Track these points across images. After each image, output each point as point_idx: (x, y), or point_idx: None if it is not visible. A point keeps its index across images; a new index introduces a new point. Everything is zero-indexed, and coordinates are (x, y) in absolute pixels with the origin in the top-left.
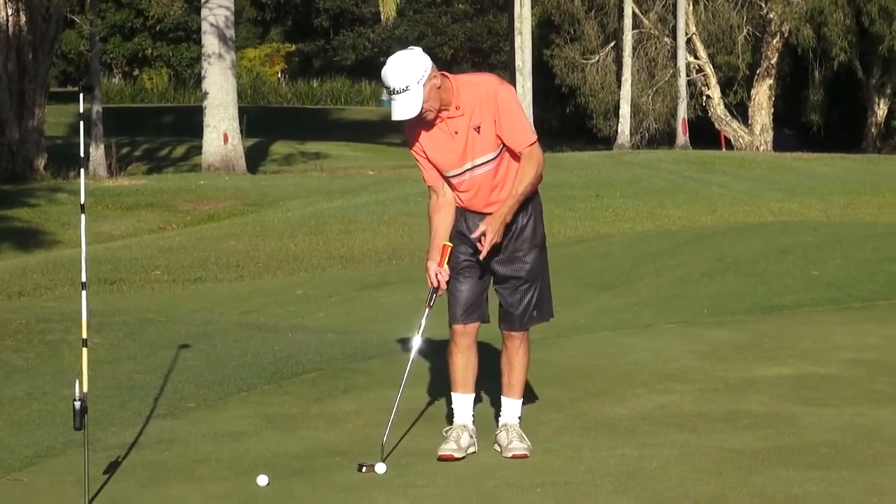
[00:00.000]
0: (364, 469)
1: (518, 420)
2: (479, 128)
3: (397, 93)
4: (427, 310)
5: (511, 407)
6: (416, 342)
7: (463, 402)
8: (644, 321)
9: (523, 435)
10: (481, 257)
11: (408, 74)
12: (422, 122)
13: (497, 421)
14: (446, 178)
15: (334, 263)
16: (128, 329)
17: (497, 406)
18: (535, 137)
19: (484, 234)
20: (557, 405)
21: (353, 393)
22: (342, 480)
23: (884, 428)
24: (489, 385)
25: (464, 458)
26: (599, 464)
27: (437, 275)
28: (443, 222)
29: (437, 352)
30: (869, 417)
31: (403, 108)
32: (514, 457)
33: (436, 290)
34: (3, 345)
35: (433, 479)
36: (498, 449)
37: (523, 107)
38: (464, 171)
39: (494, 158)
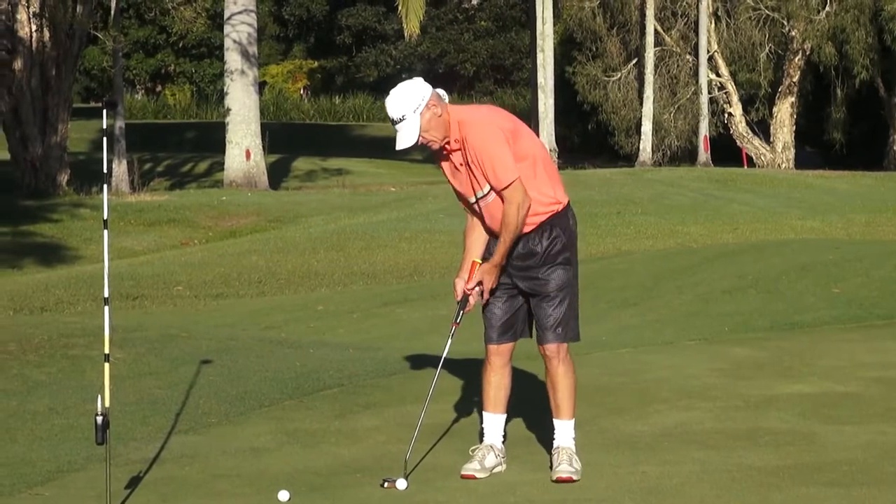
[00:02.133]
0: (386, 484)
1: (572, 442)
2: (468, 164)
3: (396, 122)
4: (454, 327)
5: (562, 429)
6: (442, 359)
7: (494, 422)
8: (665, 338)
9: (574, 457)
10: (473, 303)
11: (404, 104)
12: (438, 152)
13: (537, 441)
14: (467, 204)
15: (356, 280)
16: (149, 344)
17: (531, 427)
18: (511, 178)
19: (480, 283)
20: (578, 422)
21: (374, 409)
22: (362, 497)
23: None
24: (524, 407)
25: (486, 477)
26: (620, 481)
27: (465, 291)
28: (476, 242)
29: (462, 368)
30: (890, 436)
31: (402, 137)
32: (558, 479)
33: (462, 306)
34: (26, 360)
35: (453, 496)
36: (551, 471)
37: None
38: (475, 201)
39: (491, 190)
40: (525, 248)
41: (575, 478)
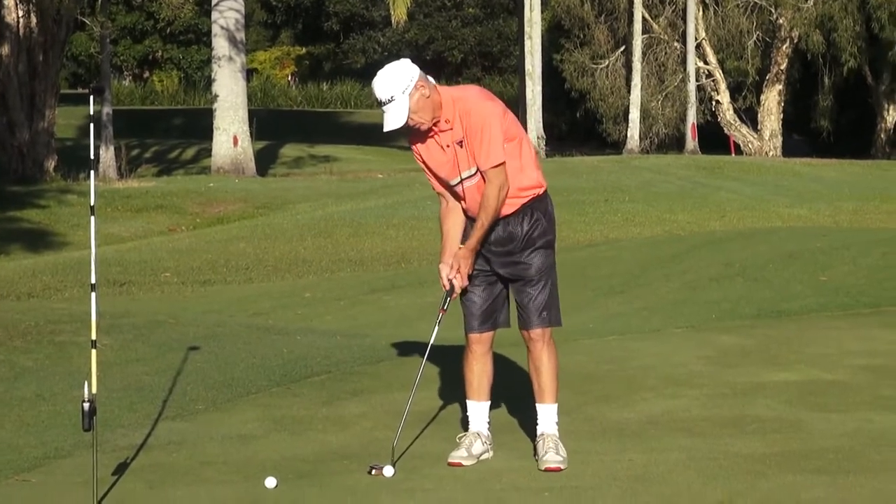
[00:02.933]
0: (373, 471)
1: (556, 426)
2: (461, 142)
3: (384, 104)
4: (441, 313)
5: (545, 413)
6: (430, 345)
7: (478, 410)
8: (652, 326)
9: (559, 445)
10: (460, 288)
11: (392, 85)
12: (419, 134)
13: (522, 427)
14: (448, 187)
15: (343, 267)
16: (137, 331)
17: (515, 413)
18: (500, 160)
19: (457, 268)
20: (565, 409)
21: (362, 396)
22: (350, 483)
23: (891, 433)
24: (508, 393)
25: (473, 465)
26: (607, 468)
27: (449, 278)
28: (453, 227)
29: (449, 355)
30: (876, 423)
31: (391, 119)
32: (546, 469)
33: (449, 293)
34: (13, 346)
35: (441, 483)
36: (536, 459)
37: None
38: (458, 183)
39: (477, 172)
40: (505, 231)
41: (562, 467)
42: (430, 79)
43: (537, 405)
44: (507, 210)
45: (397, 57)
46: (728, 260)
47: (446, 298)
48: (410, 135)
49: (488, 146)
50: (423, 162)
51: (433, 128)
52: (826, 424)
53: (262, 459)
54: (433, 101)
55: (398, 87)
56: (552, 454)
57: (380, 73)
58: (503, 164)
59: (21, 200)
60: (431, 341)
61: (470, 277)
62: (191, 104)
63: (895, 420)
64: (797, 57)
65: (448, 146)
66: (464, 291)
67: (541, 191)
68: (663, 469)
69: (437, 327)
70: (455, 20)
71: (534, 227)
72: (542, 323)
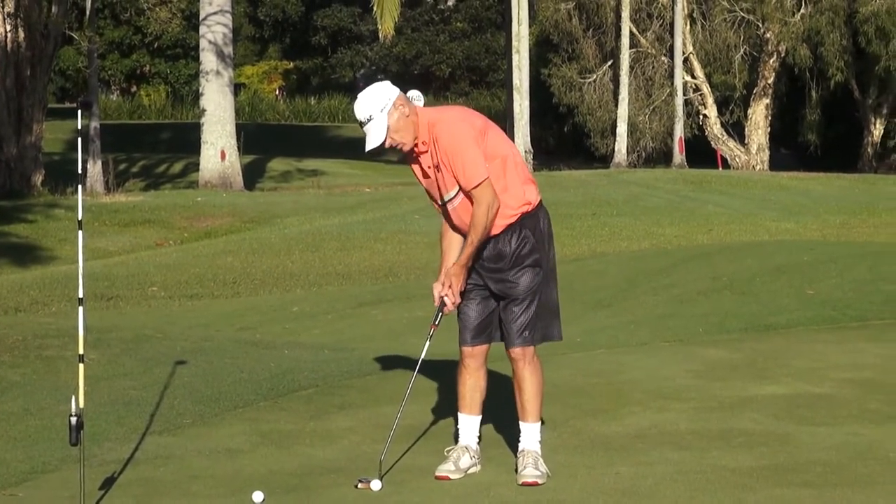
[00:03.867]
0: (360, 485)
1: (538, 445)
2: (437, 166)
3: (363, 123)
4: (432, 329)
5: (527, 432)
6: (420, 360)
7: (468, 423)
8: (640, 339)
9: (539, 461)
10: (451, 305)
11: (370, 104)
12: (409, 155)
13: (510, 442)
14: (440, 206)
15: (331, 280)
16: (124, 345)
17: (505, 428)
18: (481, 178)
19: (449, 285)
20: (552, 423)
21: (349, 410)
22: (337, 497)
23: (878, 447)
24: (499, 407)
25: (461, 478)
26: (594, 482)
27: (441, 295)
28: (451, 244)
29: (438, 369)
30: (863, 437)
31: (370, 138)
32: (523, 484)
33: (440, 309)
34: (0, 360)
35: (428, 497)
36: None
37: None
38: (444, 203)
39: (459, 192)
40: (494, 249)
41: (540, 482)
42: (420, 97)
43: (520, 423)
44: (494, 230)
45: (385, 71)
46: (715, 273)
47: (438, 314)
48: (406, 156)
49: (463, 168)
50: (420, 182)
51: (415, 149)
52: (813, 438)
53: (249, 473)
54: (412, 121)
55: (376, 106)
56: (531, 469)
57: (360, 94)
58: (486, 180)
59: (8, 215)
60: (422, 356)
61: (466, 292)
62: (178, 118)
63: (882, 433)
64: (784, 71)
65: (429, 168)
66: (460, 305)
67: (529, 208)
68: (651, 482)
69: (428, 342)
70: (443, 34)
71: (521, 245)
72: (523, 342)
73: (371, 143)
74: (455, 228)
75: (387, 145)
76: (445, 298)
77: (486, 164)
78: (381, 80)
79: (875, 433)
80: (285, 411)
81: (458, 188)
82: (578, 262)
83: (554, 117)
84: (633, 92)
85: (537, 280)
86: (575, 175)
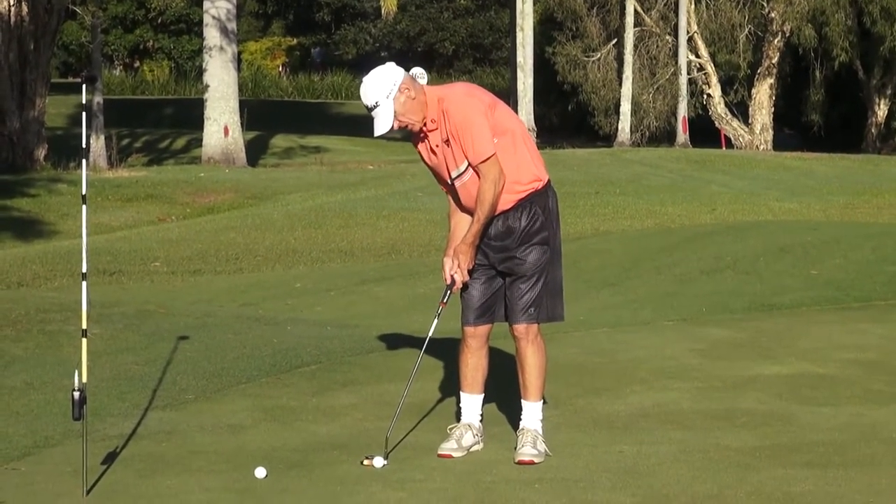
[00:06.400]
0: (366, 461)
1: (538, 423)
2: (447, 141)
3: (371, 109)
4: (441, 306)
5: (528, 410)
6: (428, 338)
7: (471, 402)
8: (643, 318)
9: (538, 440)
10: (461, 282)
11: (376, 91)
12: (416, 135)
13: (513, 420)
14: (447, 186)
15: (333, 257)
16: (127, 320)
17: (508, 406)
18: (489, 152)
19: (458, 263)
20: (556, 401)
21: (352, 387)
22: (340, 473)
23: (881, 427)
24: (503, 386)
25: (463, 456)
26: (597, 460)
27: (451, 273)
28: (460, 222)
29: (444, 347)
30: (866, 417)
31: (378, 124)
32: (519, 462)
33: (450, 286)
34: (3, 335)
35: (431, 474)
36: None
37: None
38: (453, 179)
39: (468, 167)
40: (504, 225)
41: (536, 461)
42: (423, 74)
43: (522, 401)
44: (504, 206)
45: (389, 48)
46: (719, 253)
47: (447, 292)
48: (412, 137)
49: (472, 142)
50: (425, 163)
51: (423, 128)
52: (816, 418)
53: (251, 449)
54: (419, 102)
55: (382, 92)
56: (528, 448)
57: (365, 79)
58: (493, 156)
59: (11, 189)
60: (430, 334)
61: (471, 271)
62: (181, 94)
63: (885, 414)
64: (789, 51)
65: (438, 146)
66: (464, 285)
67: (540, 185)
68: (653, 461)
69: (436, 320)
70: (446, 11)
71: (532, 222)
72: (527, 319)
73: (379, 129)
74: (463, 208)
75: (395, 128)
76: (455, 276)
77: (495, 139)
78: (385, 59)
79: (878, 414)
80: (288, 387)
81: (467, 163)
82: (581, 240)
83: (557, 96)
84: (637, 71)
85: (545, 258)
86: (578, 154)
